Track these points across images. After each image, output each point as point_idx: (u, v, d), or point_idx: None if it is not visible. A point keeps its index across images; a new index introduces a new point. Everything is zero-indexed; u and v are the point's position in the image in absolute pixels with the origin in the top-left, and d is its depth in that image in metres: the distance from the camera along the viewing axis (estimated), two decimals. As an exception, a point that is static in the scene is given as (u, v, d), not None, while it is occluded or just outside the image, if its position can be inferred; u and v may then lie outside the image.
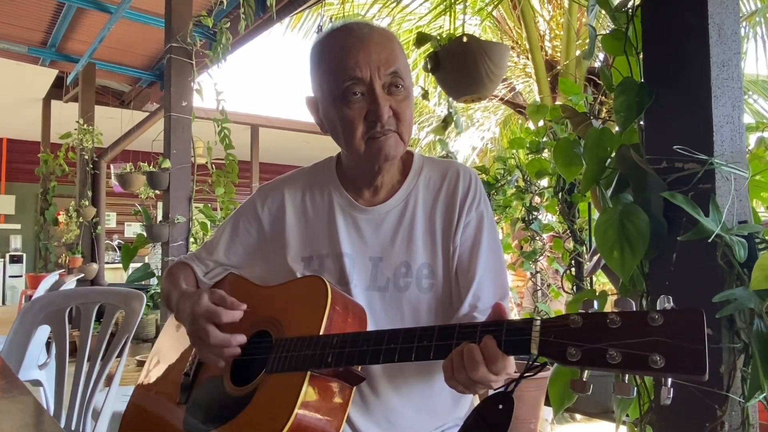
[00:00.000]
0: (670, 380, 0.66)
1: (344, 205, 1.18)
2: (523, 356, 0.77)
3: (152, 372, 1.28)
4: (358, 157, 1.10)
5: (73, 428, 1.72)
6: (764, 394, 1.05)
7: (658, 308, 0.67)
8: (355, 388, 1.01)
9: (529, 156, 2.67)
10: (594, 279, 2.79)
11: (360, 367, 0.99)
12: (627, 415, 1.31)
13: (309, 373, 0.93)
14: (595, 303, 0.73)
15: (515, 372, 0.83)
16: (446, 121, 2.66)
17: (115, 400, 1.81)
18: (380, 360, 0.88)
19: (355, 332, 0.96)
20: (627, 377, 0.68)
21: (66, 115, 7.12)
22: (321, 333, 0.97)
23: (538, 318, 0.77)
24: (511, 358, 0.80)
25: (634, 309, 0.70)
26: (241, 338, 1.03)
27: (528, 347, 0.75)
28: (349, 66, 1.04)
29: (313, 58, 1.11)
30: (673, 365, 0.64)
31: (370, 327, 1.05)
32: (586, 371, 0.70)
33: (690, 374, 0.63)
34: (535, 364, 0.77)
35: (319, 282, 1.04)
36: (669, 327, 0.65)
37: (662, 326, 0.66)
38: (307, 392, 0.93)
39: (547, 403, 2.74)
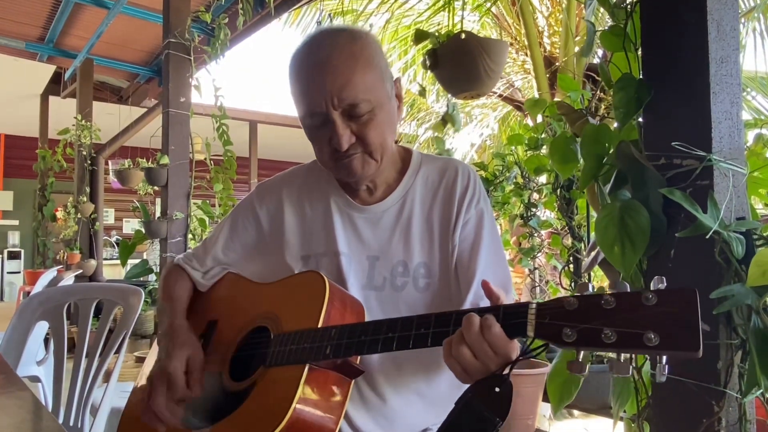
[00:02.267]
0: (665, 358, 0.66)
1: (341, 204, 1.18)
2: (520, 338, 0.78)
3: (146, 372, 1.28)
4: (332, 172, 1.13)
5: (71, 424, 1.72)
6: (761, 390, 1.05)
7: (652, 288, 0.68)
8: (353, 384, 1.01)
9: (528, 153, 2.66)
10: (592, 275, 2.80)
11: (359, 361, 0.99)
12: (625, 411, 1.31)
13: (308, 365, 0.94)
14: (590, 286, 0.74)
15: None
16: (445, 119, 2.66)
17: (113, 396, 1.81)
18: (378, 349, 0.89)
19: (353, 323, 0.96)
20: (623, 356, 0.69)
21: (64, 111, 7.11)
22: (319, 326, 0.97)
23: (534, 301, 0.77)
24: (515, 343, 0.80)
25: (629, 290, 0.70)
26: (174, 422, 1.03)
27: (525, 329, 0.76)
28: (306, 100, 1.04)
29: (287, 75, 1.10)
30: (667, 342, 0.64)
31: None
32: (582, 352, 0.71)
33: (684, 351, 0.63)
34: (531, 347, 0.78)
35: (317, 277, 1.04)
36: (663, 305, 0.66)
37: (656, 305, 0.66)
38: (306, 385, 0.93)
39: (545, 399, 2.75)
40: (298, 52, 1.07)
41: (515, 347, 0.80)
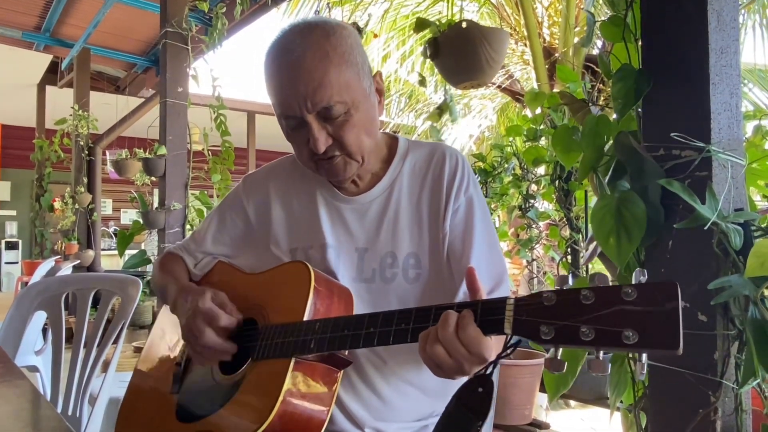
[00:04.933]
0: (644, 356, 0.65)
1: (327, 195, 1.16)
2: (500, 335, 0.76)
3: (147, 361, 1.29)
4: (313, 171, 1.11)
5: (69, 413, 1.73)
6: (758, 381, 1.05)
7: (633, 282, 0.66)
8: (343, 372, 1.02)
9: (527, 144, 2.66)
10: (590, 267, 2.80)
11: (347, 351, 0.99)
12: (621, 402, 1.32)
13: (293, 359, 0.94)
14: (570, 279, 0.72)
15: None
16: (441, 108, 2.65)
17: (111, 385, 1.81)
18: (360, 344, 0.89)
19: (336, 317, 0.96)
20: (602, 354, 0.67)
21: (61, 100, 7.08)
22: (304, 318, 0.97)
23: (512, 297, 0.75)
24: (490, 342, 0.78)
25: (609, 284, 0.68)
26: (232, 348, 1.03)
27: (502, 326, 0.74)
28: (279, 103, 1.02)
29: (261, 72, 1.07)
30: (645, 340, 0.62)
31: None
32: (560, 349, 0.69)
33: (663, 349, 0.61)
34: (511, 343, 0.76)
35: (302, 267, 1.04)
36: (642, 301, 0.64)
37: (635, 300, 0.64)
38: (292, 379, 0.93)
39: (542, 389, 2.76)
40: (271, 50, 1.04)
41: (489, 346, 0.78)
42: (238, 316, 1.06)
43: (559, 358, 0.69)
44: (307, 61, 0.98)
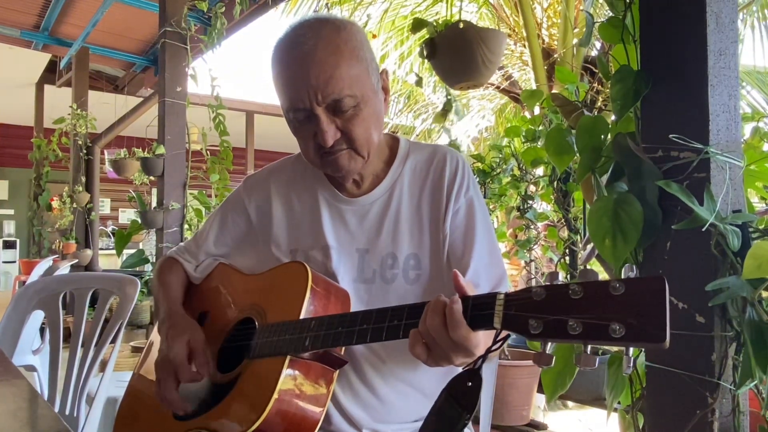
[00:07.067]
0: (631, 350, 0.65)
1: (328, 196, 1.17)
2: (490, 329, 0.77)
3: (146, 360, 1.29)
4: (318, 167, 1.11)
5: (67, 413, 1.73)
6: (755, 382, 1.06)
7: (622, 277, 0.67)
8: (343, 374, 1.02)
9: (525, 144, 2.66)
10: (588, 268, 2.80)
11: (343, 351, 0.99)
12: (619, 402, 1.32)
13: (288, 357, 0.94)
14: (560, 276, 0.72)
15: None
16: (446, 109, 2.66)
17: (109, 385, 1.81)
18: (354, 341, 0.89)
19: (331, 315, 0.96)
20: (590, 348, 0.67)
21: (59, 99, 7.06)
22: (300, 317, 0.97)
23: (503, 292, 0.76)
24: (480, 337, 0.79)
25: (598, 279, 0.69)
26: (185, 407, 1.03)
27: (491, 321, 0.75)
28: (289, 95, 1.02)
29: (269, 67, 1.07)
30: (632, 334, 0.63)
31: None
32: (549, 344, 0.70)
33: (650, 342, 0.62)
34: (500, 338, 0.77)
35: (300, 267, 1.04)
36: (630, 295, 0.64)
37: (623, 295, 0.65)
38: (286, 377, 0.93)
39: (540, 390, 2.76)
40: (281, 44, 1.05)
41: (479, 340, 0.79)
42: (207, 370, 1.04)
43: (548, 353, 0.70)
44: (318, 54, 0.98)
